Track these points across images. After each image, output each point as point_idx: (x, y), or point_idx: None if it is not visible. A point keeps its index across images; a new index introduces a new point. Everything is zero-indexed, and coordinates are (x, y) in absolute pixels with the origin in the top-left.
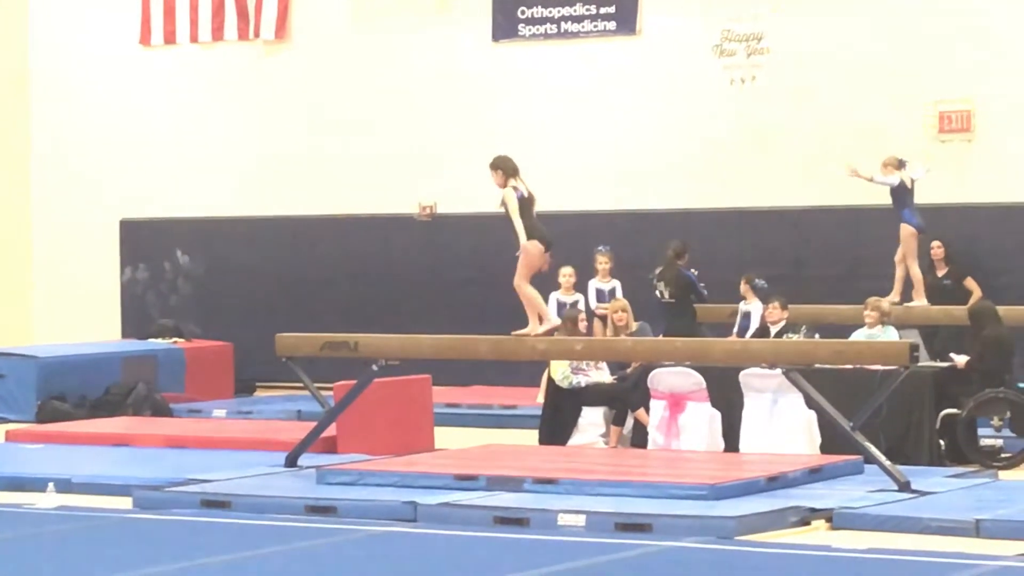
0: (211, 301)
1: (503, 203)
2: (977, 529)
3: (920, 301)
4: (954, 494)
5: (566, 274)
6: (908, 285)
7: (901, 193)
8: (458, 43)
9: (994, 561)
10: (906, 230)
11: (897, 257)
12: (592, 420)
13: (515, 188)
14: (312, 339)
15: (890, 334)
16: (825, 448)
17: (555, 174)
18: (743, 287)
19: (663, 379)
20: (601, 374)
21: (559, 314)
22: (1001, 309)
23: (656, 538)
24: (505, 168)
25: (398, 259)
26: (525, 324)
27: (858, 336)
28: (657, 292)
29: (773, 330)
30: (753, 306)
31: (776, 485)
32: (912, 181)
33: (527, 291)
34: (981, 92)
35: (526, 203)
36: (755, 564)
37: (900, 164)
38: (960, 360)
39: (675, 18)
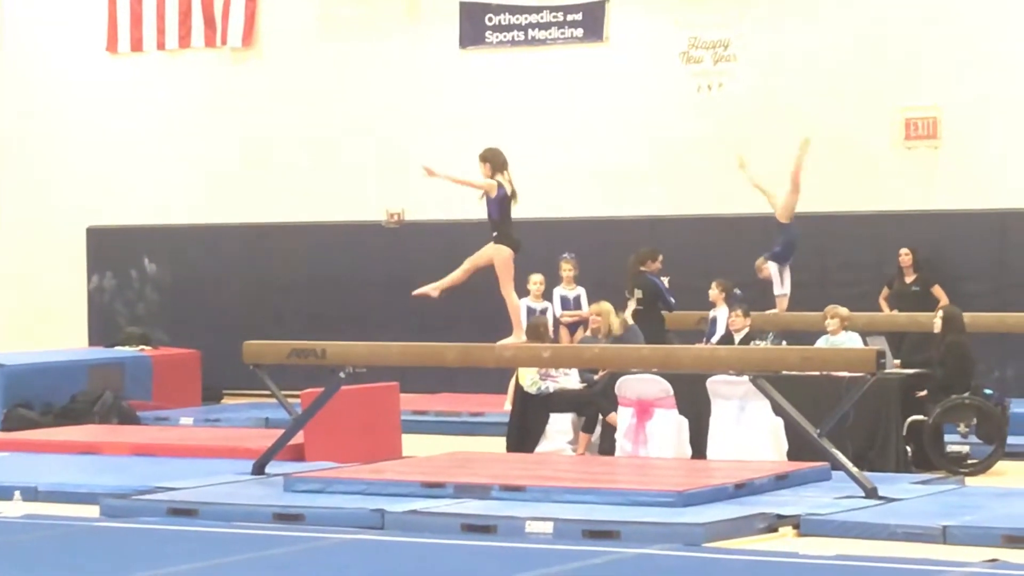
0: (178, 309)
1: (484, 193)
2: (944, 535)
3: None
4: (921, 501)
5: (536, 281)
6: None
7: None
8: (425, 50)
9: (961, 568)
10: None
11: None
12: (560, 427)
13: (499, 184)
14: (279, 346)
15: (853, 340)
16: (792, 455)
17: (522, 181)
18: (713, 293)
19: (631, 386)
20: (569, 380)
21: (527, 321)
22: (968, 316)
23: (624, 545)
24: (494, 162)
25: (366, 266)
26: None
27: (821, 344)
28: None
29: (737, 338)
30: (719, 312)
31: (743, 492)
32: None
33: (513, 300)
34: (947, 99)
35: (506, 202)
36: (722, 571)
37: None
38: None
39: (642, 25)
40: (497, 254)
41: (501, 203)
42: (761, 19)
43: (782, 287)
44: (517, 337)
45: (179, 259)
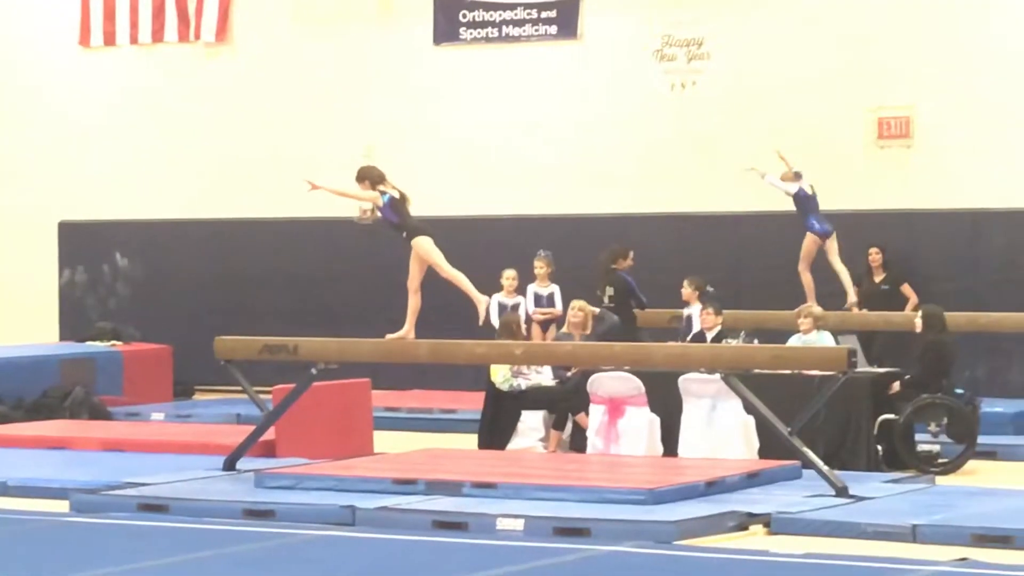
0: (150, 304)
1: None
2: (914, 534)
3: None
4: (891, 499)
5: (509, 277)
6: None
7: (804, 201)
8: (399, 46)
9: (930, 566)
10: (809, 238)
11: (800, 266)
12: (532, 424)
13: (383, 192)
14: (251, 342)
15: (825, 339)
16: (763, 453)
17: (496, 178)
18: (686, 291)
19: (603, 384)
20: (542, 377)
21: (500, 316)
22: None
23: (594, 542)
24: (370, 177)
25: (338, 262)
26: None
27: (794, 342)
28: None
29: (708, 336)
30: (693, 310)
31: (714, 490)
32: (812, 187)
33: (455, 273)
34: (920, 99)
35: (398, 204)
36: (693, 569)
37: (797, 176)
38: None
39: (616, 23)
40: (420, 248)
41: (394, 207)
42: (735, 17)
43: (773, 181)
44: (408, 332)
45: (151, 254)
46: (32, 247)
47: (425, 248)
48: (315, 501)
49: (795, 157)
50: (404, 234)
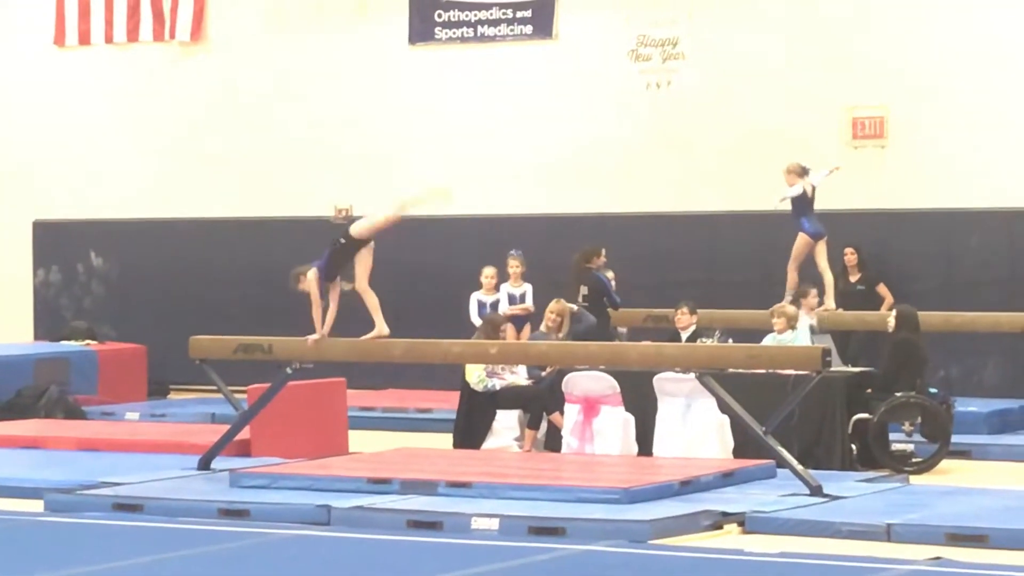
0: (125, 303)
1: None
2: (888, 533)
3: (830, 304)
4: (865, 498)
5: (488, 275)
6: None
7: (801, 201)
8: (374, 46)
9: (905, 565)
10: (801, 238)
11: (790, 265)
12: (507, 424)
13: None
14: (226, 342)
15: (800, 338)
16: (738, 452)
17: (470, 177)
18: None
19: (577, 383)
20: (516, 377)
21: (480, 315)
22: None
23: (569, 542)
24: (302, 272)
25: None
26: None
27: (768, 342)
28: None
29: (683, 335)
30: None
31: (689, 489)
32: (813, 189)
33: (372, 292)
34: (894, 99)
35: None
36: (668, 568)
37: (803, 172)
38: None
39: (591, 22)
40: (360, 230)
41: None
42: (710, 17)
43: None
44: (381, 329)
45: (126, 253)
46: (6, 246)
47: (365, 226)
48: (290, 500)
49: (769, 157)
50: (341, 240)
